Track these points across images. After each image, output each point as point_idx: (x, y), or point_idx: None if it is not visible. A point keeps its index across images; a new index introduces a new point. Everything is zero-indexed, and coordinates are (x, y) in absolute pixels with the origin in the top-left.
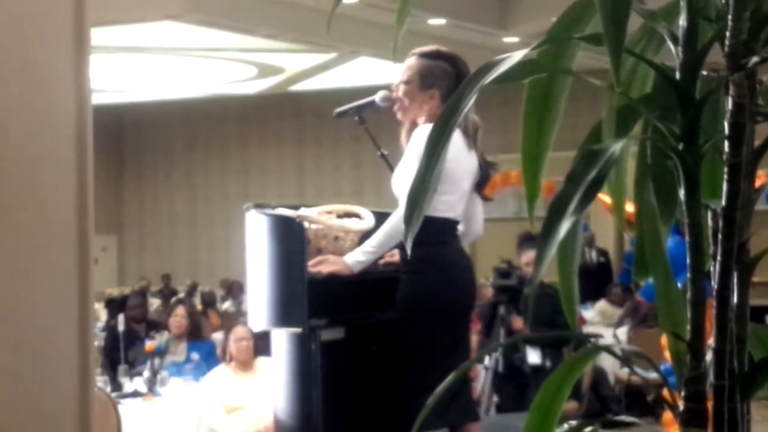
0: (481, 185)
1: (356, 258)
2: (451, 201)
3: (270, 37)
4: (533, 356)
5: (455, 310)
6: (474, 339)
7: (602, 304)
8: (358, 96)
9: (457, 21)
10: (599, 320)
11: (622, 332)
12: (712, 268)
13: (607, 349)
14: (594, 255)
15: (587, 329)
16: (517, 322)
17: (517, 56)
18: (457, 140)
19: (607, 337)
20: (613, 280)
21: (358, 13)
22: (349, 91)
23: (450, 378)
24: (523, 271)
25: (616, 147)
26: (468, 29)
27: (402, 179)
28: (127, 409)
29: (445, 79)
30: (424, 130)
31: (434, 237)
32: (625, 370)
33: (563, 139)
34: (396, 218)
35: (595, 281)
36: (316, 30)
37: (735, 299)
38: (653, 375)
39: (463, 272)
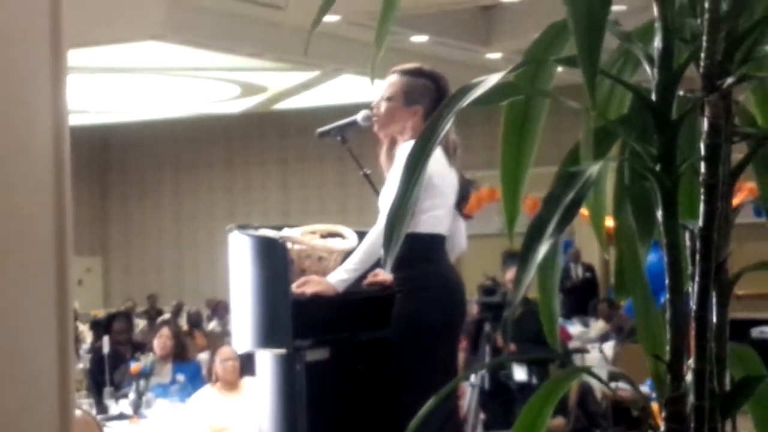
0: (461, 203)
1: (339, 277)
2: (440, 216)
3: (253, 55)
4: (519, 373)
5: (449, 328)
6: (460, 356)
7: (600, 323)
8: (343, 114)
9: (440, 38)
10: (587, 336)
11: (609, 347)
12: (691, 288)
13: (588, 371)
14: (580, 271)
15: (573, 344)
16: (503, 341)
17: (493, 79)
18: (440, 158)
19: (593, 352)
20: (598, 296)
21: (340, 31)
22: (333, 108)
23: (436, 396)
24: (508, 287)
25: (594, 169)
26: (451, 46)
27: (387, 197)
28: (112, 431)
29: (428, 96)
30: (408, 147)
31: (428, 254)
32: (613, 385)
33: (547, 154)
34: (375, 234)
35: (581, 297)
36: (299, 48)
37: (714, 319)
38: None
39: (457, 290)
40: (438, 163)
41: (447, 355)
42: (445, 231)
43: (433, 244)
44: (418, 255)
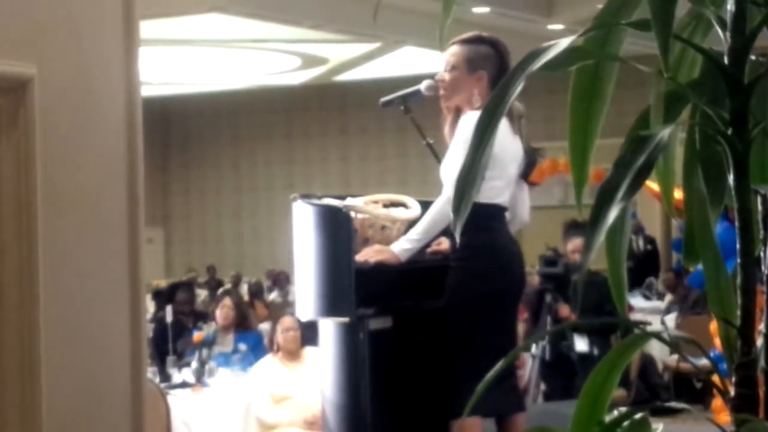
0: (527, 171)
1: (402, 246)
2: (499, 187)
3: (314, 27)
4: (580, 344)
5: (504, 297)
6: (521, 327)
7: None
8: (403, 86)
9: (502, 9)
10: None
11: (671, 319)
12: (761, 254)
13: (657, 336)
14: (641, 242)
15: (635, 317)
16: (564, 310)
17: (563, 43)
18: (502, 126)
19: (655, 324)
20: (660, 268)
21: (402, 2)
22: (394, 80)
23: (498, 365)
24: (569, 258)
25: (664, 133)
26: (512, 17)
27: (449, 167)
28: (175, 399)
29: (490, 62)
30: (471, 117)
31: (483, 223)
32: (674, 358)
33: (609, 126)
34: (439, 205)
35: (643, 269)
36: (360, 20)
37: None
38: (702, 362)
39: (513, 259)
40: (500, 131)
41: (500, 326)
42: (504, 201)
43: (490, 214)
44: (473, 225)
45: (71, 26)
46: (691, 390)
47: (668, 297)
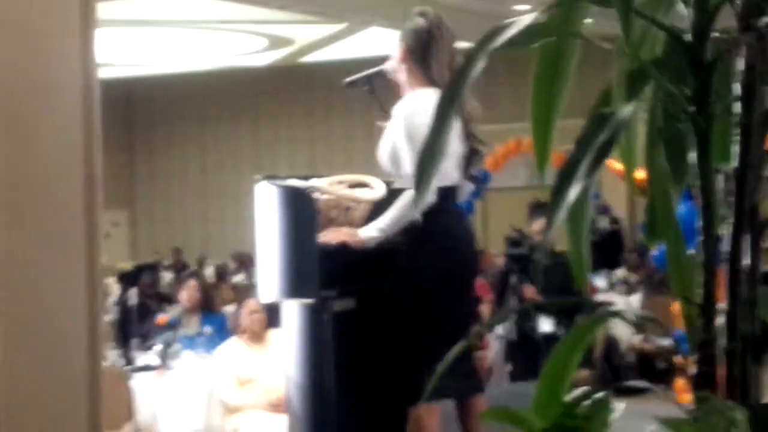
0: (466, 167)
1: (370, 234)
2: (446, 168)
3: (281, 7)
4: (546, 325)
5: (455, 278)
6: (486, 308)
7: (621, 270)
8: (370, 66)
9: None
10: (613, 288)
11: (635, 299)
12: (723, 232)
13: (618, 315)
14: (606, 223)
15: (599, 297)
16: (529, 291)
17: (525, 20)
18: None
19: (619, 304)
20: (624, 248)
21: None
22: (361, 61)
23: (455, 348)
24: (535, 239)
25: (626, 110)
26: None
27: (392, 152)
28: (139, 382)
29: (413, 35)
30: (404, 103)
31: (432, 206)
32: (637, 338)
33: (574, 107)
34: (408, 196)
35: (607, 249)
36: (327, 0)
37: (746, 262)
38: (665, 342)
39: (462, 240)
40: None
41: (453, 308)
42: (452, 182)
43: (438, 196)
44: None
45: (25, 9)
46: (654, 370)
47: (633, 277)
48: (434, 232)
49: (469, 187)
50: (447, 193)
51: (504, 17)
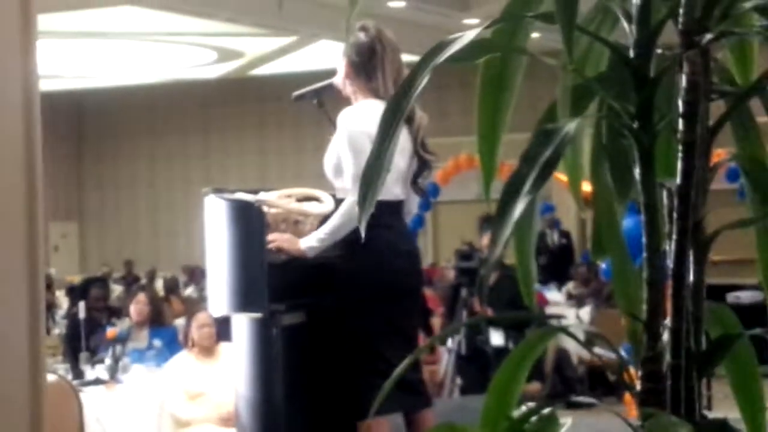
0: (414, 179)
1: (309, 243)
2: (387, 181)
3: (230, 20)
4: (496, 338)
5: (389, 293)
6: (437, 321)
7: (570, 285)
8: (320, 79)
9: (417, 2)
10: (564, 301)
11: (586, 312)
12: (668, 247)
13: (565, 331)
14: (556, 237)
15: (551, 310)
16: (479, 304)
17: (470, 35)
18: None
19: (570, 317)
20: (574, 262)
21: None
22: (311, 74)
23: (405, 361)
24: (485, 253)
25: (571, 126)
26: (427, 11)
27: (335, 163)
28: (88, 396)
29: (355, 48)
30: (345, 113)
31: (372, 220)
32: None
33: (523, 121)
34: (347, 206)
35: (557, 263)
36: (276, 13)
37: (691, 278)
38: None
39: (398, 256)
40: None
41: (392, 319)
42: (394, 196)
43: (378, 209)
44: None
45: None
46: (606, 383)
47: (582, 290)
48: (365, 246)
49: (415, 201)
50: (384, 207)
51: (454, 30)
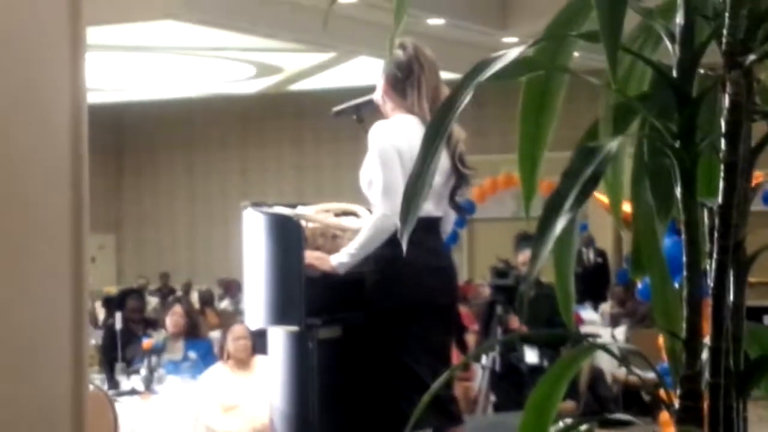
0: (453, 194)
1: (340, 259)
2: None
3: (269, 36)
4: (531, 356)
5: (419, 310)
6: (471, 338)
7: (606, 305)
8: (358, 95)
9: (456, 20)
10: (599, 321)
11: (621, 332)
12: (708, 267)
13: (603, 347)
14: (591, 255)
15: (585, 329)
16: (515, 322)
17: (513, 53)
18: (419, 132)
19: (605, 337)
20: (610, 281)
21: (357, 12)
22: (349, 90)
23: (440, 379)
24: (521, 270)
25: (613, 144)
26: (467, 29)
27: (368, 180)
28: (124, 407)
29: (392, 64)
30: (376, 128)
31: (393, 236)
32: (623, 370)
33: (562, 139)
34: (374, 220)
35: (593, 282)
36: (315, 29)
37: (731, 297)
38: (651, 374)
39: (431, 274)
40: (416, 137)
41: (424, 337)
42: (426, 213)
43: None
44: (391, 237)
45: (14, 31)
46: (640, 403)
47: (618, 310)
48: (396, 264)
49: (452, 217)
50: (416, 224)
51: (493, 48)
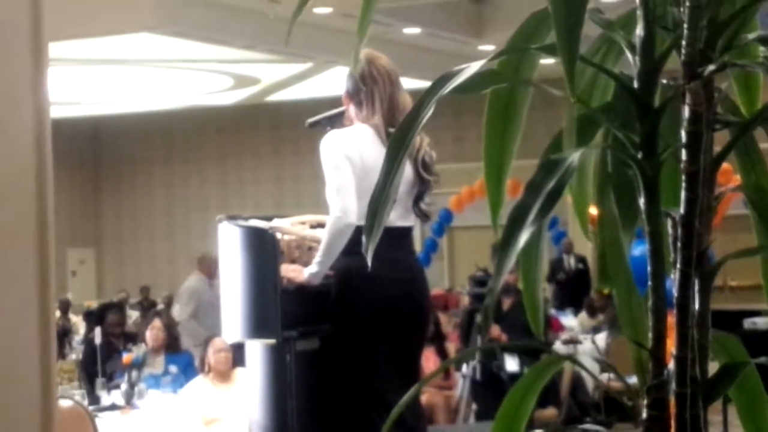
0: (416, 202)
1: (311, 270)
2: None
3: (246, 47)
4: (511, 364)
5: (381, 323)
6: (452, 347)
7: (582, 315)
8: (336, 105)
9: (432, 29)
10: (579, 328)
11: (602, 338)
12: (672, 276)
13: (571, 359)
14: (572, 262)
15: (565, 336)
16: (494, 330)
17: (475, 66)
18: (377, 144)
19: (585, 344)
20: (591, 286)
21: (332, 22)
22: (327, 100)
23: (410, 392)
24: None
25: (575, 156)
26: (443, 38)
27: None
28: (104, 422)
29: (350, 80)
30: (327, 138)
31: (353, 247)
32: (604, 376)
33: (539, 147)
34: (329, 223)
35: (574, 288)
36: (291, 40)
37: (696, 307)
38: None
39: (388, 285)
40: (374, 149)
41: (387, 347)
42: (389, 223)
43: (358, 236)
44: (349, 248)
45: None
46: (621, 409)
47: (599, 317)
48: (353, 274)
49: (416, 223)
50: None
51: (470, 57)
